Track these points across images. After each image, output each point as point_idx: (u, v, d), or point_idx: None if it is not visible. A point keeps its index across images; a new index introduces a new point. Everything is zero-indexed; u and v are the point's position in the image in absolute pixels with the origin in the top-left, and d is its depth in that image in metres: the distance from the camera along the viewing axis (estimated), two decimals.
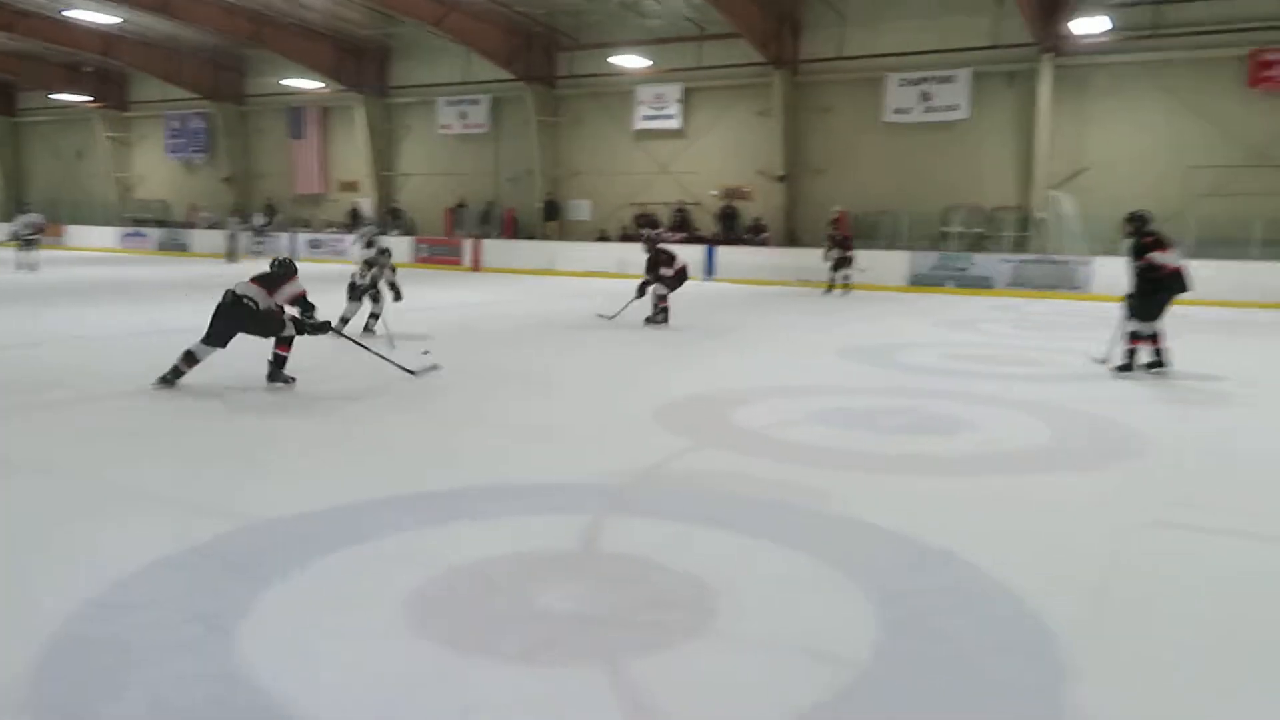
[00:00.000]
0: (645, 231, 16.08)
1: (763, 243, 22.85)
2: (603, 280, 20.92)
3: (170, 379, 7.02)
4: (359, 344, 8.19)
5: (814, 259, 20.96)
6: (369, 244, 10.96)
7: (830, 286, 18.58)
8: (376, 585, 3.45)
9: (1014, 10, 19.07)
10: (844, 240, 18.92)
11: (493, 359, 8.92)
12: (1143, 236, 8.39)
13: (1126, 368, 8.38)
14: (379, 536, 3.95)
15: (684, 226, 24.17)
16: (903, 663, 2.91)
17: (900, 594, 3.43)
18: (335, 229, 28.77)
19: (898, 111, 21.89)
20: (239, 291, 7.16)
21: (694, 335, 11.54)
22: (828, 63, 22.35)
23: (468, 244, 25.83)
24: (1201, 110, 19.32)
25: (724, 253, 22.34)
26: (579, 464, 5.27)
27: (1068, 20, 19.60)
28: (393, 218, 28.36)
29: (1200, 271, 16.28)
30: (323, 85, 28.25)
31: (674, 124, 24.57)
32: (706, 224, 24.30)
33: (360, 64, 27.88)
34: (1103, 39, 19.63)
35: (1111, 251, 18.82)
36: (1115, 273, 17.88)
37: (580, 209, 26.50)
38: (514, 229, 26.72)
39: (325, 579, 3.51)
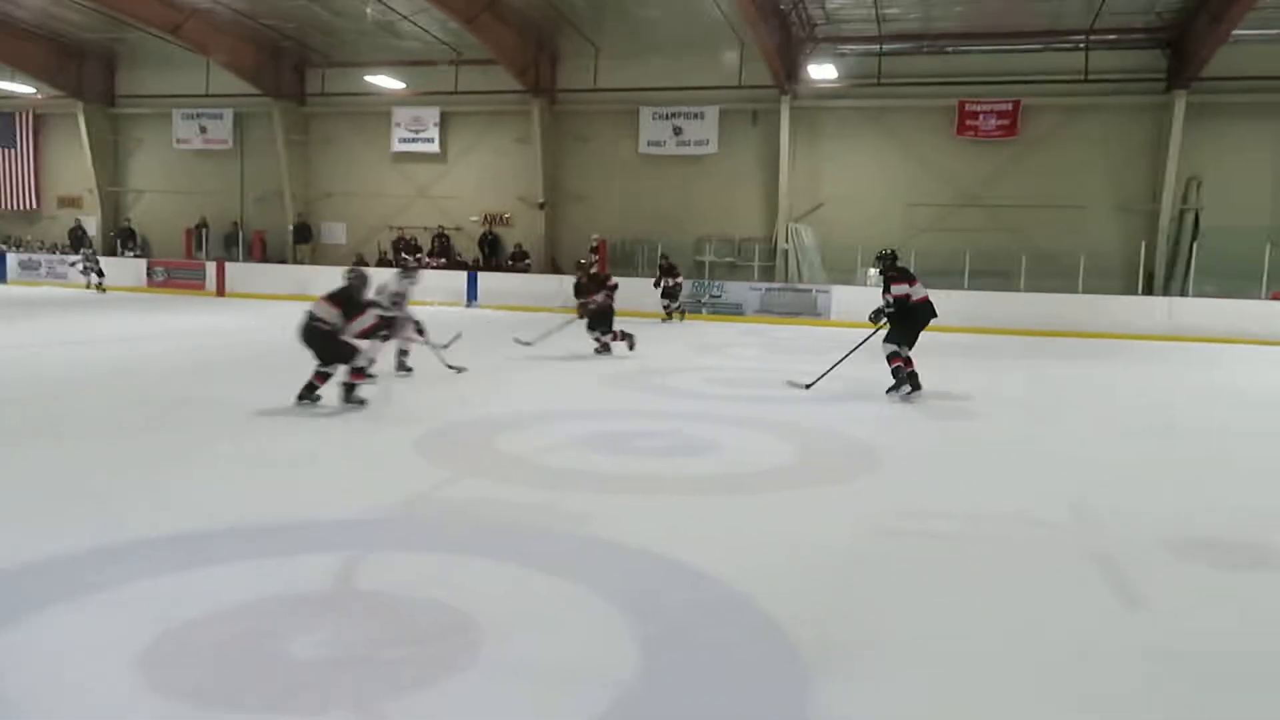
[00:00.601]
0: (589, 260, 16.21)
1: (525, 269, 22.96)
2: None
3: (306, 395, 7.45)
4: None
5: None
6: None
7: (668, 315, 19.01)
8: (103, 641, 3.14)
9: (756, 54, 20.35)
10: (671, 268, 19.27)
11: (244, 390, 8.39)
12: (889, 272, 9.23)
13: (897, 387, 9.11)
14: (109, 587, 3.60)
15: (445, 252, 23.85)
16: (662, 679, 2.99)
17: (657, 611, 3.52)
18: (53, 249, 26.09)
19: (652, 143, 22.74)
20: (314, 312, 7.42)
21: (456, 362, 11.37)
22: (585, 93, 22.88)
23: (211, 267, 24.18)
24: (918, 154, 21.42)
25: (486, 279, 22.22)
26: (333, 499, 5.04)
27: (803, 66, 21.18)
28: (124, 238, 26.08)
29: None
30: (35, 90, 25.63)
31: (432, 147, 24.24)
32: (469, 250, 24.12)
33: (83, 69, 25.51)
34: (834, 85, 21.35)
35: (847, 281, 20.46)
36: (851, 300, 19.41)
37: (335, 232, 25.54)
38: (263, 252, 25.31)
39: (44, 635, 3.15)
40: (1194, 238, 19.84)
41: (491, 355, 12.26)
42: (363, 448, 6.45)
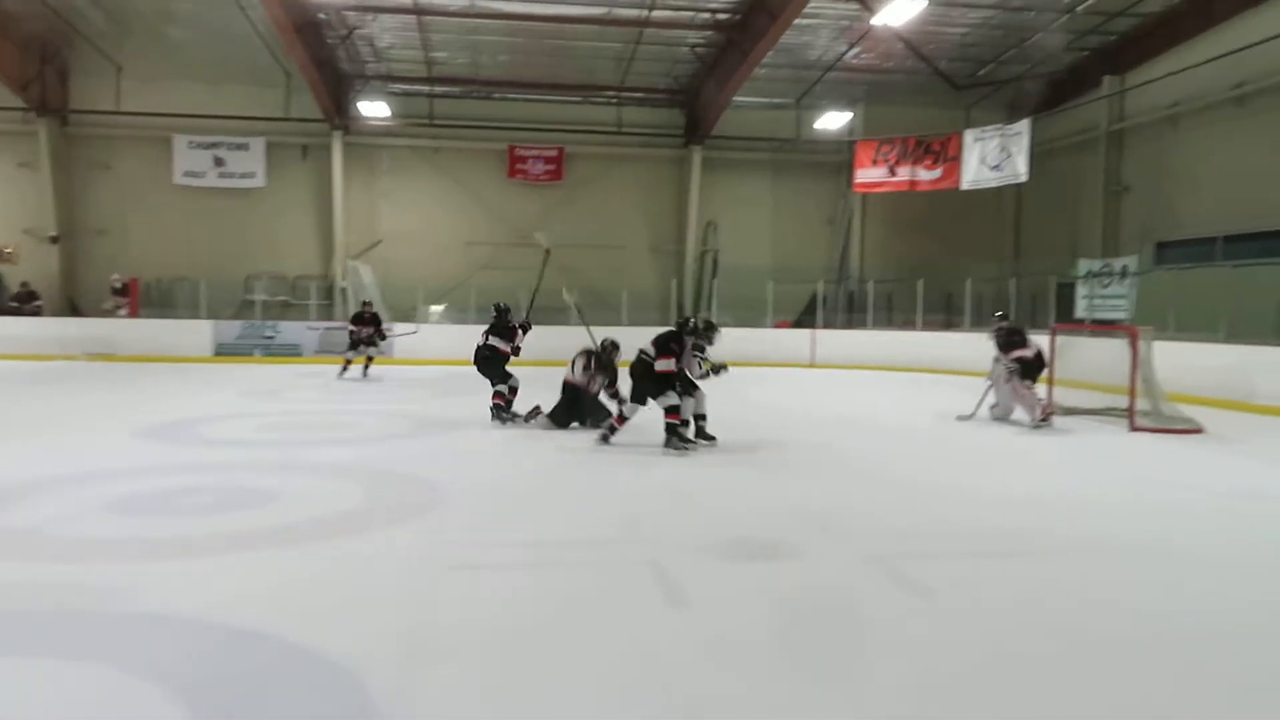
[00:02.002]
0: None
1: (35, 311, 19.86)
2: None
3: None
4: None
5: (100, 329, 18.88)
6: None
7: (349, 364, 15.41)
8: None
9: (304, 86, 19.65)
10: (373, 317, 15.69)
11: None
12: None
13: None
14: None
15: None
16: None
17: (209, 684, 3.19)
18: None
19: (189, 174, 20.98)
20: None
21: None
22: (106, 115, 20.50)
23: None
24: (474, 194, 22.08)
25: None
26: None
27: (354, 102, 20.89)
28: None
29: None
30: None
31: None
32: None
33: None
34: (387, 123, 21.30)
35: (410, 319, 20.40)
36: (416, 338, 19.34)
37: None
38: None
39: None
40: (714, 275, 22.63)
41: None
42: None
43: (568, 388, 9.44)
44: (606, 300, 20.96)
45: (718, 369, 8.95)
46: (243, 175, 21.13)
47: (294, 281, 21.55)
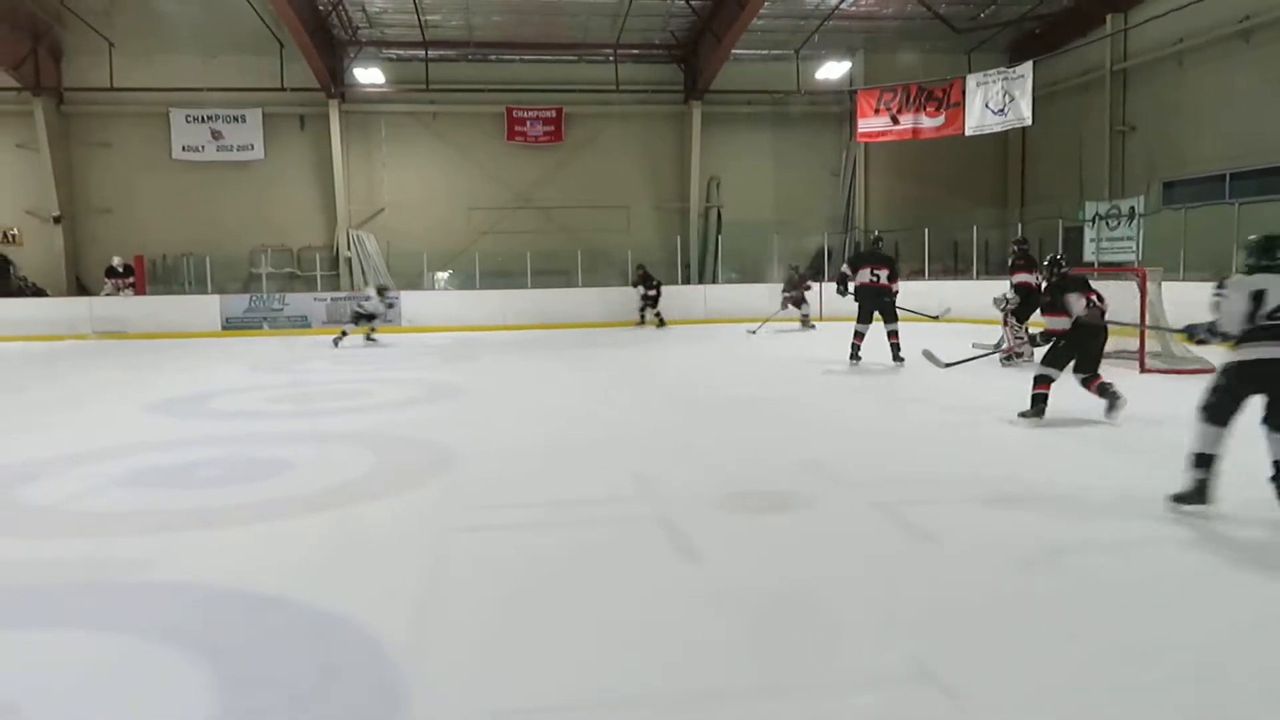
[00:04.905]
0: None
1: (43, 292, 19.94)
2: None
3: None
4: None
5: (108, 308, 18.93)
6: None
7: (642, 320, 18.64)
8: None
9: (297, 55, 19.48)
10: (648, 277, 18.65)
11: None
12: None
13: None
14: None
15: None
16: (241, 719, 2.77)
17: (231, 649, 3.25)
18: None
19: (188, 149, 20.92)
20: None
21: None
22: (101, 93, 20.39)
23: None
24: (473, 158, 21.95)
25: None
26: None
27: (349, 69, 20.73)
28: None
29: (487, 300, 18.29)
30: None
31: None
32: None
33: None
34: (383, 90, 21.16)
35: (415, 286, 20.39)
36: (421, 305, 19.36)
37: None
38: None
39: None
40: (719, 230, 22.53)
41: (8, 394, 10.53)
42: None
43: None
44: (611, 259, 20.92)
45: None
46: (241, 148, 21.07)
47: (299, 253, 21.55)
